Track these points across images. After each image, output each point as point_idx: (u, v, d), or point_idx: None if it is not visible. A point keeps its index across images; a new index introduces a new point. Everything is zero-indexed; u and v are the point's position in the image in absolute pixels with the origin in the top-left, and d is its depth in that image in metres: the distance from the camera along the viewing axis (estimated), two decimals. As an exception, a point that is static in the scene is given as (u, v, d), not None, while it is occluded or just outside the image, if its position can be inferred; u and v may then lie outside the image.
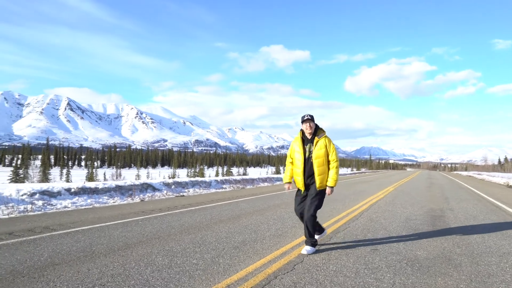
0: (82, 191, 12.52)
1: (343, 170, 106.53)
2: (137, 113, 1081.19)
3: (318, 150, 4.68)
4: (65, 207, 10.27)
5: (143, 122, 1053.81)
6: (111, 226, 6.41)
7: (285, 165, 5.20)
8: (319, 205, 4.75)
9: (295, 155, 4.84)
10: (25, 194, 10.74)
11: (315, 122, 4.86)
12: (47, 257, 4.37)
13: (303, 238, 5.50)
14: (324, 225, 6.61)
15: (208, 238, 5.48)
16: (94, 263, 4.13)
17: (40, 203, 10.37)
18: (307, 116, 4.74)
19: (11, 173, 65.65)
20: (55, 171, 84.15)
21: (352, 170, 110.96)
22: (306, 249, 4.71)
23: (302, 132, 4.84)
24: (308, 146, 4.75)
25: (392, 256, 4.65)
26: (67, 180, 68.37)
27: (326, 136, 4.80)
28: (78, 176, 78.05)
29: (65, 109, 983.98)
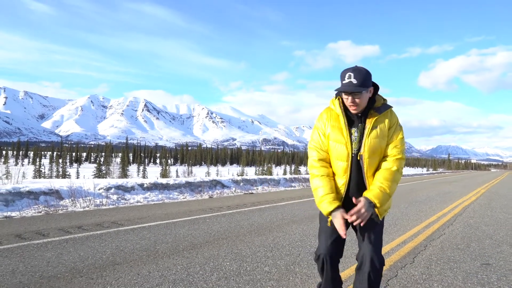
0: (154, 187, 12.70)
1: (417, 170, 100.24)
2: (208, 113, 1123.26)
3: (377, 137, 2.27)
4: (137, 201, 10.39)
5: (213, 122, 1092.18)
6: (178, 223, 6.10)
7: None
8: (381, 242, 2.41)
9: (333, 146, 2.33)
10: (101, 188, 11.08)
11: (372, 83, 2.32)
12: (109, 254, 4.08)
13: (396, 241, 4.68)
14: (413, 230, 5.70)
15: (280, 241, 4.88)
16: (157, 264, 3.73)
17: (115, 197, 10.62)
18: (350, 74, 2.19)
19: (95, 169, 71.38)
20: (133, 168, 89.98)
21: (428, 170, 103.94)
22: None
23: (342, 101, 2.34)
24: (358, 128, 2.31)
25: (514, 274, 3.67)
26: (144, 176, 72.62)
27: (392, 111, 2.36)
28: (153, 172, 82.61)
29: (143, 110, 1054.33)
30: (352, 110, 2.25)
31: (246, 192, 13.11)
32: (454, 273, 3.64)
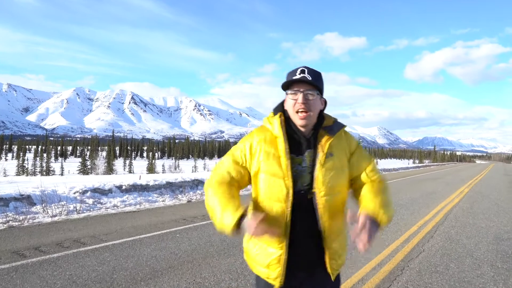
0: (133, 189, 12.30)
1: (404, 162, 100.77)
2: (195, 106, 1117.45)
3: (333, 168, 1.66)
4: (114, 206, 10.02)
5: (201, 114, 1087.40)
6: (145, 240, 5.74)
7: None
8: None
9: (267, 181, 1.68)
10: (77, 192, 10.66)
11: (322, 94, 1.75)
12: (59, 289, 3.72)
13: (371, 263, 4.39)
14: (391, 247, 5.45)
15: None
16: (107, 302, 3.39)
17: (90, 201, 10.22)
18: (303, 69, 1.66)
19: (79, 164, 70.28)
20: (119, 162, 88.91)
21: (414, 162, 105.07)
22: None
23: (285, 116, 1.74)
24: (307, 155, 1.68)
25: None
26: (130, 171, 71.75)
27: (346, 131, 1.79)
28: (140, 166, 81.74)
29: (129, 102, 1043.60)
30: (300, 119, 1.64)
31: (227, 194, 12.79)
32: (430, 308, 3.38)
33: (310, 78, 1.62)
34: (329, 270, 1.71)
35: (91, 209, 9.27)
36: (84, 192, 10.76)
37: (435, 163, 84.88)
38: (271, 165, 1.64)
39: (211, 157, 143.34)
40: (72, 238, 5.79)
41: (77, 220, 7.42)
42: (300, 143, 1.68)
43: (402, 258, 4.87)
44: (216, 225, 1.67)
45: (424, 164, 69.81)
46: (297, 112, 1.64)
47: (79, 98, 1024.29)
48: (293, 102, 1.64)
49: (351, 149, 1.73)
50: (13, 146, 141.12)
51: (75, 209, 8.97)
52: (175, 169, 73.26)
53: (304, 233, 1.67)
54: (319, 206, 1.62)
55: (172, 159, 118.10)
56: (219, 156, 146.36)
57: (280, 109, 1.75)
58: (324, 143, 1.66)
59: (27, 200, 9.36)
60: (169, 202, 10.60)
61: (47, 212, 8.39)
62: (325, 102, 1.74)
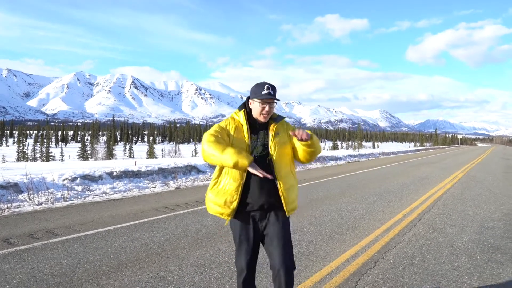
0: (124, 175, 12.18)
1: (405, 145, 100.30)
2: (196, 89, 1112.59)
3: (280, 142, 2.55)
4: (103, 192, 9.92)
5: (202, 98, 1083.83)
6: (119, 230, 5.61)
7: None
8: (291, 244, 2.63)
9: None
10: (66, 179, 10.55)
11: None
12: (16, 284, 3.59)
13: (345, 255, 4.24)
14: (370, 236, 5.31)
15: (219, 256, 4.41)
16: (61, 299, 3.26)
17: (79, 188, 10.12)
18: (268, 87, 2.54)
19: (79, 149, 70.31)
20: (119, 147, 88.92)
21: (415, 146, 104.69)
22: None
23: (247, 113, 2.64)
24: (261, 135, 2.58)
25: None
26: (130, 156, 71.79)
27: (285, 121, 2.71)
28: (140, 151, 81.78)
29: (130, 87, 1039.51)
30: (263, 118, 2.57)
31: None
32: (396, 305, 3.24)
33: (273, 94, 2.53)
34: (287, 209, 2.53)
35: (79, 197, 9.16)
36: (73, 179, 10.65)
37: (435, 147, 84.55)
38: (239, 141, 2.52)
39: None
40: (45, 229, 5.67)
41: (59, 209, 7.29)
42: (256, 127, 2.60)
43: (379, 249, 4.72)
44: (227, 159, 2.32)
45: (424, 148, 69.56)
46: (261, 113, 2.56)
47: (79, 82, 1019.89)
48: (261, 109, 2.54)
49: (288, 129, 2.62)
50: (14, 132, 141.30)
51: (62, 196, 8.86)
52: (175, 153, 73.23)
53: (258, 185, 2.49)
54: (275, 165, 2.50)
55: (173, 143, 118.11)
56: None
57: (243, 107, 2.67)
58: (272, 127, 2.59)
59: (14, 188, 9.24)
60: (158, 189, 10.49)
61: (33, 200, 8.29)
62: None
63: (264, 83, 2.54)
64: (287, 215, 2.56)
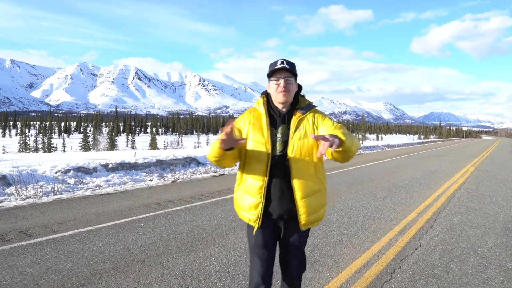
0: (120, 167, 11.63)
1: (409, 138, 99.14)
2: (200, 81, 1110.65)
3: (299, 140, 2.12)
4: (97, 186, 9.39)
5: (205, 89, 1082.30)
6: (101, 231, 5.02)
7: None
8: (305, 260, 2.39)
9: (252, 145, 2.17)
10: (59, 171, 10.01)
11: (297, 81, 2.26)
12: (-36, 300, 3.01)
13: (356, 263, 3.62)
14: (383, 240, 4.69)
15: (209, 265, 3.80)
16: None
17: (72, 181, 9.59)
18: (282, 61, 2.16)
19: (81, 140, 69.92)
20: (122, 139, 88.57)
21: (419, 138, 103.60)
22: None
23: (267, 99, 2.26)
24: (281, 129, 2.17)
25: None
26: (132, 147, 71.40)
27: (317, 110, 2.26)
28: (142, 142, 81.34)
29: (134, 78, 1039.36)
30: (282, 99, 2.16)
31: (221, 173, 12.05)
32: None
33: (288, 67, 2.13)
34: (303, 221, 2.15)
35: (70, 190, 8.62)
36: (66, 172, 10.11)
37: (440, 139, 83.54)
38: (256, 133, 2.16)
39: (215, 133, 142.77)
40: (20, 229, 5.09)
41: (42, 205, 6.72)
42: (276, 120, 2.19)
43: (394, 257, 4.10)
44: (210, 152, 2.10)
45: (429, 140, 68.68)
46: (278, 93, 2.14)
47: (83, 73, 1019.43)
48: (276, 86, 2.15)
49: (319, 124, 2.16)
50: (17, 123, 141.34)
51: (52, 190, 8.33)
52: (178, 144, 72.71)
53: (279, 189, 2.14)
54: (292, 167, 2.11)
55: (176, 134, 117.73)
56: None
57: (264, 93, 2.27)
58: (295, 120, 2.16)
59: (2, 181, 8.72)
60: (153, 183, 9.92)
61: (21, 194, 7.74)
62: (300, 86, 2.25)
63: (277, 60, 2.19)
64: (302, 228, 2.19)
